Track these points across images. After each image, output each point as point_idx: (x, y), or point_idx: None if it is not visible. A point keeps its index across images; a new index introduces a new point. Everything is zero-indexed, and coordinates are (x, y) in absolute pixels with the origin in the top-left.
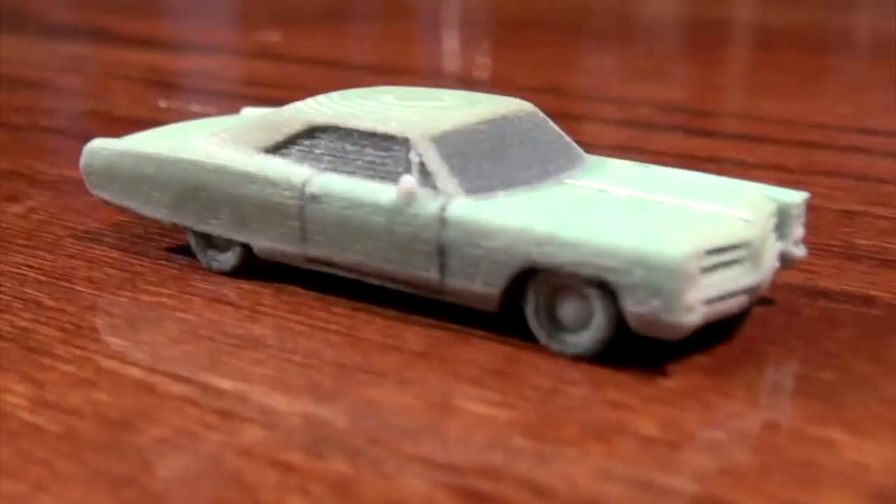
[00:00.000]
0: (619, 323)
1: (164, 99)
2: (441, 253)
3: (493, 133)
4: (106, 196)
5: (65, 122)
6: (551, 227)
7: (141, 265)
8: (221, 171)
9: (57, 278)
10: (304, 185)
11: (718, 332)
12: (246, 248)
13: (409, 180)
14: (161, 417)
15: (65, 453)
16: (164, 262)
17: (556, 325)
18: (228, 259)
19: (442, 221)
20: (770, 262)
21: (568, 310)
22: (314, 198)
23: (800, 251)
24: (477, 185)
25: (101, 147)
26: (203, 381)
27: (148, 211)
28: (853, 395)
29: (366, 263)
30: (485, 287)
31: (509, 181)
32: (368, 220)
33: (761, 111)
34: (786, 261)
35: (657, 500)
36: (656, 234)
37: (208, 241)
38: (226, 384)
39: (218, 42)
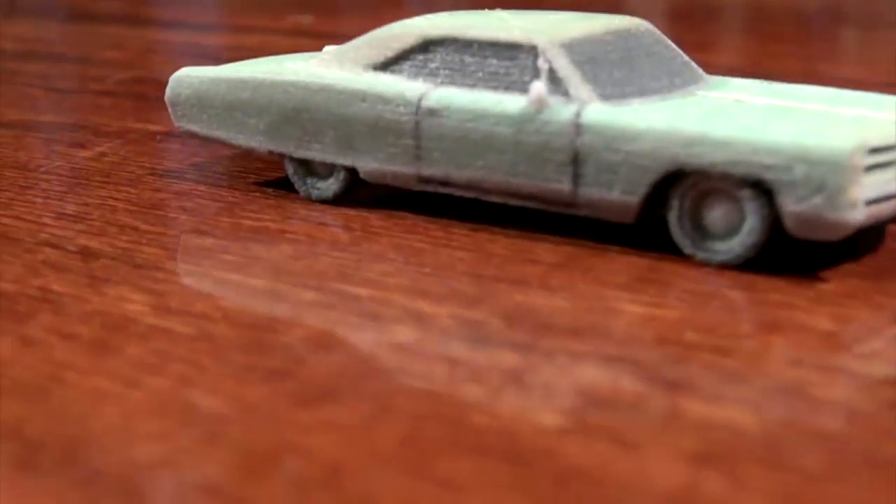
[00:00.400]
0: (772, 226)
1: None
2: (575, 161)
3: (619, 44)
4: (194, 127)
5: (113, 86)
6: (701, 127)
7: (234, 197)
8: (327, 90)
9: (148, 208)
10: (420, 99)
11: (860, 244)
12: (351, 173)
13: (539, 86)
14: (300, 320)
15: (204, 352)
16: (258, 194)
17: (702, 232)
18: (330, 186)
19: (577, 127)
20: None
21: (716, 215)
22: (432, 112)
23: None
24: (610, 91)
25: (189, 75)
26: (336, 289)
27: (242, 140)
28: None
29: (489, 179)
30: (623, 195)
31: (642, 90)
32: (493, 131)
33: None
34: None
35: (859, 385)
36: (815, 131)
37: (308, 168)
38: (361, 291)
39: (253, 24)
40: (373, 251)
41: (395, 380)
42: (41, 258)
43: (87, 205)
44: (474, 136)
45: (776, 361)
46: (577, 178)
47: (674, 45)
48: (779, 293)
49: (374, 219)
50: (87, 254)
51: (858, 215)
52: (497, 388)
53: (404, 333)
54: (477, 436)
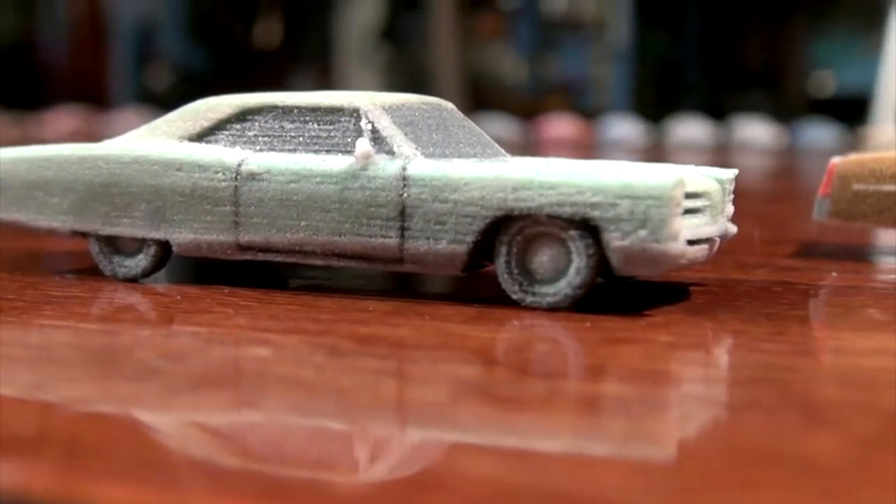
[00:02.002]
0: (598, 265)
1: None
2: (402, 214)
3: (433, 114)
4: None
5: None
6: (526, 174)
7: (35, 280)
8: (139, 162)
9: None
10: (239, 164)
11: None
12: (162, 247)
13: (364, 142)
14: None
15: None
16: (58, 277)
17: (530, 277)
18: (139, 263)
19: (404, 180)
20: (723, 223)
21: (543, 259)
22: (252, 176)
23: (732, 228)
24: (431, 151)
25: None
26: (174, 329)
27: (43, 221)
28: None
29: (312, 240)
30: (452, 245)
31: (459, 153)
32: (317, 190)
33: None
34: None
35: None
36: (634, 174)
37: (114, 246)
38: (200, 329)
39: None
40: (198, 307)
41: (266, 377)
42: None
43: None
44: (297, 197)
45: (634, 356)
46: (404, 231)
47: (474, 124)
48: (613, 323)
49: (190, 290)
50: None
51: (680, 247)
52: (374, 378)
53: (261, 352)
54: None
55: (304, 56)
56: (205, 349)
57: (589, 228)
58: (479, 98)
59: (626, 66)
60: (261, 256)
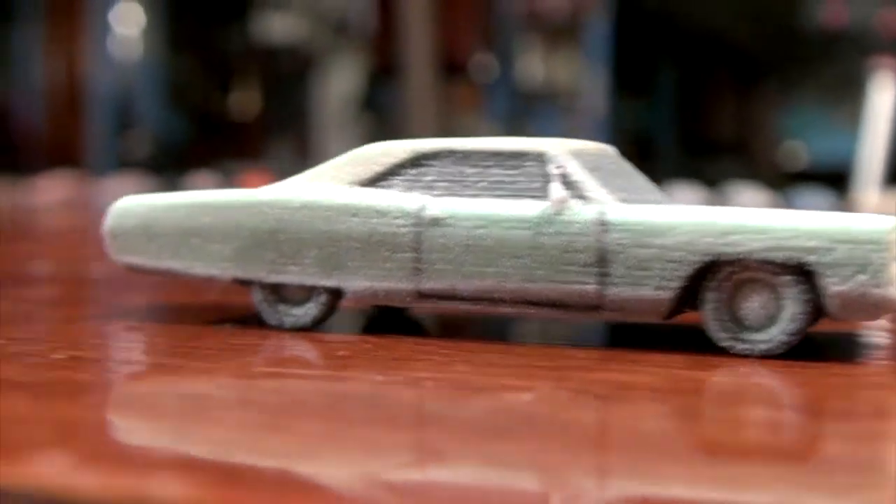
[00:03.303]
0: (814, 311)
1: None
2: (602, 260)
3: (607, 158)
4: (138, 260)
5: None
6: (736, 218)
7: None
8: (310, 207)
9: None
10: (420, 210)
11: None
12: (333, 295)
13: (559, 187)
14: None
15: None
16: (216, 329)
17: (739, 323)
18: (308, 311)
19: (603, 225)
20: None
21: (753, 305)
22: (435, 221)
23: None
24: (622, 196)
25: (136, 203)
26: (407, 376)
27: (199, 269)
28: None
29: (501, 287)
30: (655, 291)
31: (643, 198)
32: (508, 235)
33: None
34: None
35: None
36: (846, 216)
37: (279, 294)
38: (422, 374)
39: None
40: (402, 355)
41: (554, 423)
42: None
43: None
44: (486, 243)
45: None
46: (603, 277)
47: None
48: (846, 368)
49: (371, 339)
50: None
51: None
52: (675, 422)
53: (524, 397)
54: None
55: (283, 125)
56: (462, 396)
57: (803, 273)
58: None
59: (601, 134)
60: (442, 304)
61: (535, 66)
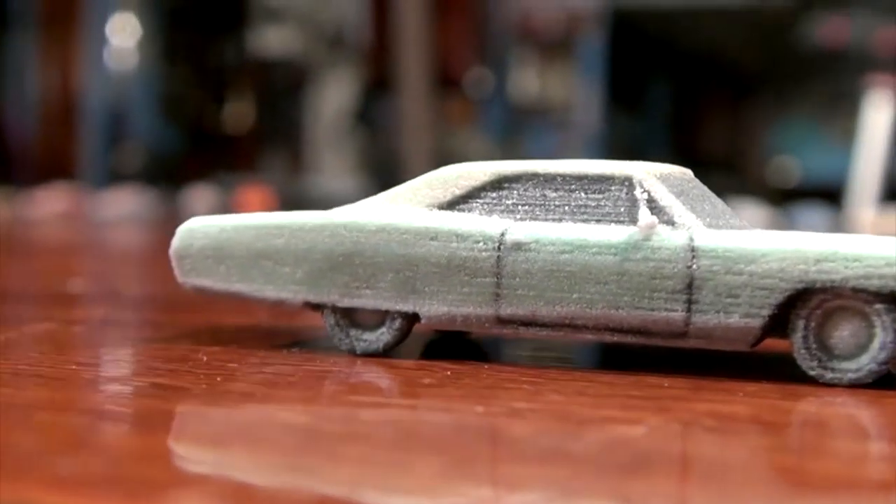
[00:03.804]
0: None
1: None
2: (690, 287)
3: (692, 183)
4: (207, 282)
5: None
6: (829, 245)
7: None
8: (387, 230)
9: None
10: (502, 234)
11: None
12: (407, 320)
13: (647, 212)
14: None
15: None
16: (293, 356)
17: (828, 352)
18: (381, 336)
19: (692, 251)
20: None
21: (843, 334)
22: (518, 246)
23: None
24: (708, 221)
25: (205, 224)
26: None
27: (270, 292)
28: None
29: (585, 314)
30: (744, 319)
31: (728, 224)
32: (594, 261)
33: None
34: None
35: None
36: None
37: (351, 318)
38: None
39: None
40: (486, 384)
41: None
42: None
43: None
44: (570, 268)
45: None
46: (691, 304)
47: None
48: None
49: (445, 364)
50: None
51: None
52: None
53: (637, 431)
54: None
55: (276, 139)
56: (571, 429)
57: (895, 301)
58: None
59: (594, 149)
60: (522, 330)
61: (530, 80)
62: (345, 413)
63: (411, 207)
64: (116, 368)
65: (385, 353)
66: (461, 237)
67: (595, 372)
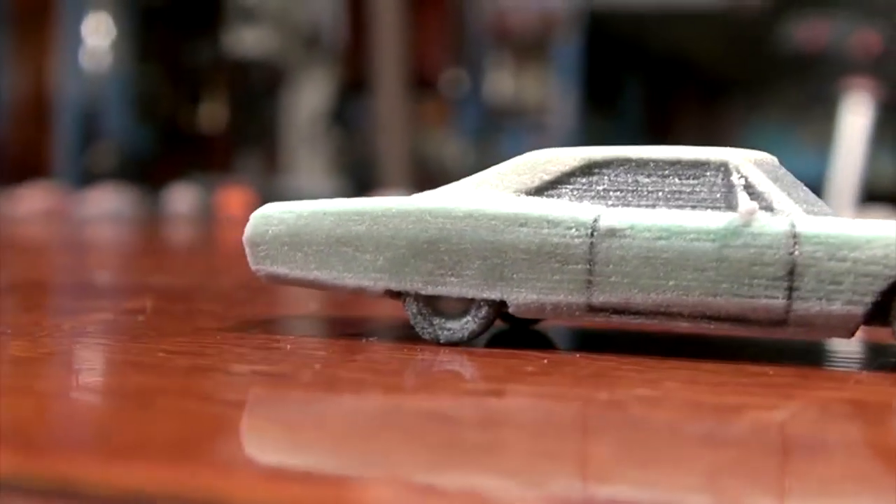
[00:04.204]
0: None
1: None
2: (792, 274)
3: (781, 170)
4: (283, 269)
5: None
6: None
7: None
8: (475, 217)
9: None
10: (595, 220)
11: None
12: (494, 309)
13: (747, 198)
14: None
15: None
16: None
17: None
18: (466, 325)
19: (794, 237)
20: None
21: None
22: (612, 232)
23: None
24: (806, 208)
25: (281, 210)
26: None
27: (350, 279)
28: None
29: (681, 301)
30: (846, 307)
31: (821, 210)
32: (692, 247)
33: None
34: None
35: None
36: None
37: (434, 307)
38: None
39: None
40: (588, 372)
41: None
42: None
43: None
44: (667, 255)
45: None
46: (792, 291)
47: None
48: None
49: (527, 354)
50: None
51: None
52: None
53: (778, 416)
54: None
55: (252, 139)
56: (712, 416)
57: None
58: (424, 183)
59: None
60: (615, 318)
61: (505, 82)
62: (474, 402)
63: (498, 193)
64: (206, 356)
65: (469, 342)
66: (552, 223)
67: (692, 360)
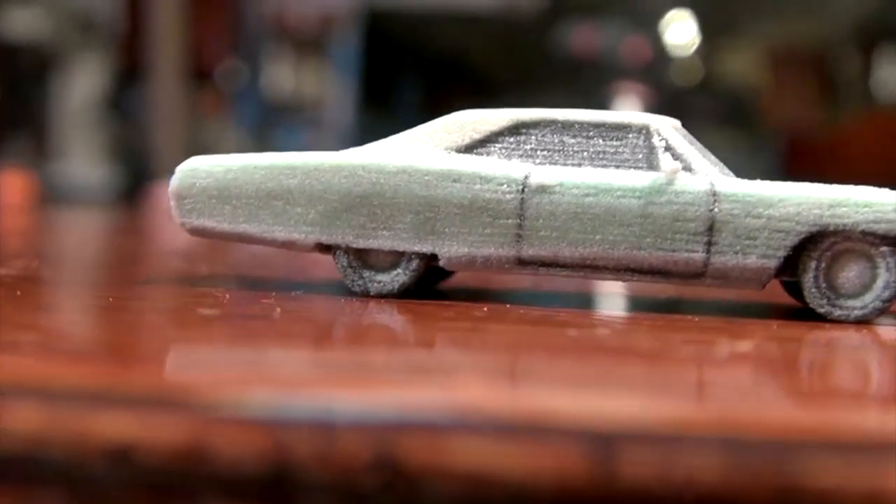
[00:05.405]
0: None
1: None
2: (711, 229)
3: (691, 136)
4: (210, 223)
5: None
6: (841, 192)
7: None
8: (408, 172)
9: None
10: (526, 177)
11: None
12: (424, 261)
13: (670, 159)
14: None
15: None
16: (295, 299)
17: (836, 291)
18: (396, 277)
19: (714, 196)
20: None
21: (850, 274)
22: (543, 189)
23: None
24: (718, 169)
25: (209, 163)
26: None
27: (279, 233)
28: None
29: (607, 255)
30: (761, 260)
31: (728, 174)
32: (618, 204)
33: None
34: None
35: None
36: None
37: (364, 260)
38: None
39: None
40: (533, 317)
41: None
42: None
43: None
44: (595, 211)
45: None
46: (710, 246)
47: None
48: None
49: (457, 305)
50: None
51: None
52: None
53: (742, 347)
54: None
55: (21, 124)
56: (679, 346)
57: None
58: None
59: (345, 146)
60: (542, 271)
61: (284, 76)
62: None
63: (430, 150)
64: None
65: (399, 295)
66: (484, 180)
67: (621, 313)
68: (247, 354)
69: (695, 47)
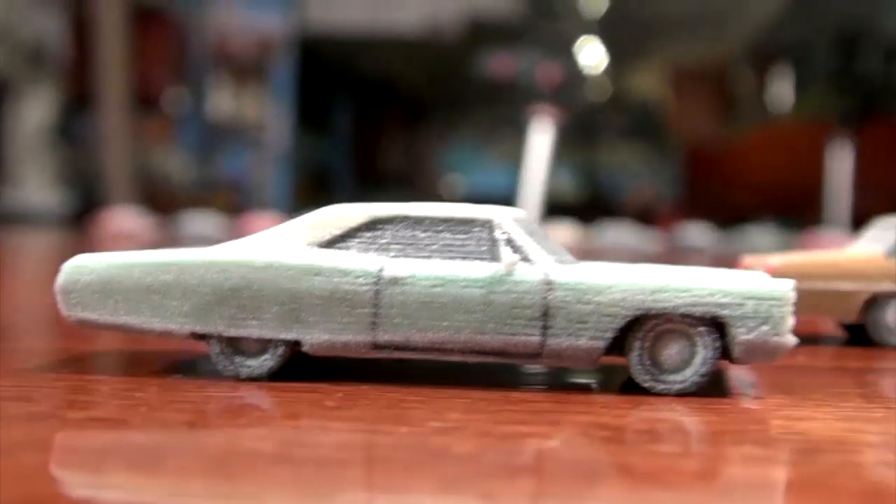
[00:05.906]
0: (721, 356)
1: None
2: (545, 315)
3: (533, 224)
4: (93, 315)
5: None
6: (661, 279)
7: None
8: (274, 267)
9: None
10: (381, 270)
11: None
12: (290, 347)
13: (509, 251)
14: None
15: None
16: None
17: (659, 367)
18: (265, 362)
19: (548, 284)
20: None
21: (671, 352)
22: (396, 280)
23: None
24: (556, 258)
25: (92, 261)
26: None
27: (157, 324)
28: None
29: (453, 339)
30: (591, 342)
31: (567, 259)
32: (463, 293)
33: None
34: None
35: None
36: (750, 277)
37: (235, 347)
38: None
39: None
40: (383, 403)
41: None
42: None
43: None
44: (442, 300)
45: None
46: (546, 329)
47: None
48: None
49: (329, 387)
50: None
51: (793, 340)
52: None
53: (550, 444)
54: None
55: None
56: (502, 445)
57: (715, 325)
58: (150, 197)
59: (284, 166)
60: (396, 354)
61: (225, 101)
62: (273, 432)
63: (295, 245)
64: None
65: (268, 378)
66: (343, 273)
67: (465, 388)
68: None
69: (604, 67)
